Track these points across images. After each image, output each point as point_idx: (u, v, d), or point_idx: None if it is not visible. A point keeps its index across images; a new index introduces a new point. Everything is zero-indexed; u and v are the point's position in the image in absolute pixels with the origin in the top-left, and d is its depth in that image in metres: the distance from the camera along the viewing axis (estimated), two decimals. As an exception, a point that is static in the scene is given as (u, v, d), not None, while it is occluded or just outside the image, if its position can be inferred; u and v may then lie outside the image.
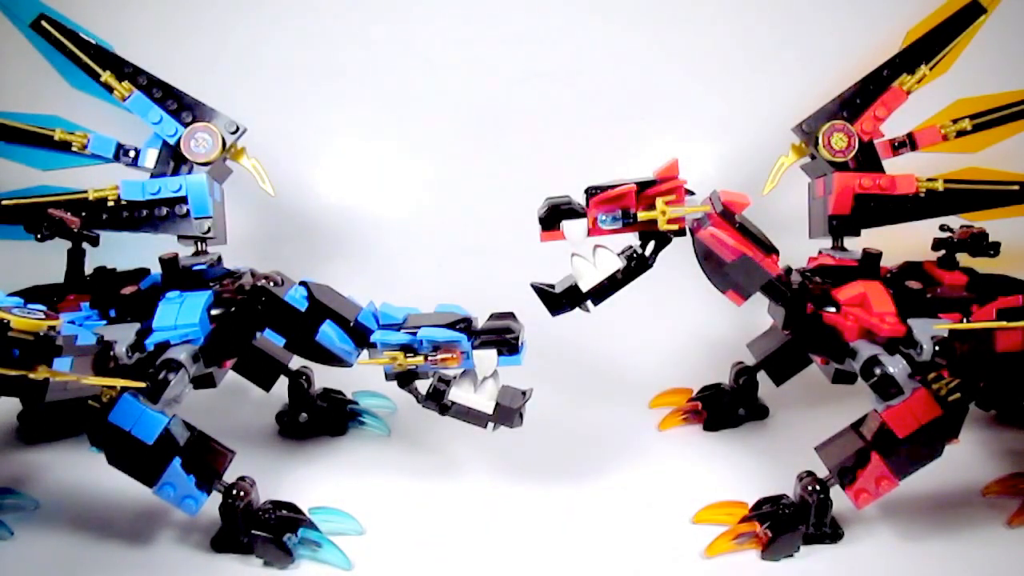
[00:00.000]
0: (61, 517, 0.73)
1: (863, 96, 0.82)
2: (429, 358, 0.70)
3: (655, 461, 0.82)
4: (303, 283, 0.74)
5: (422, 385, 0.74)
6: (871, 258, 0.76)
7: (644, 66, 1.08)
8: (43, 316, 0.55)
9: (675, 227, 0.66)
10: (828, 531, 0.68)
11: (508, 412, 0.72)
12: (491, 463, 0.81)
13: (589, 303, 0.70)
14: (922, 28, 0.84)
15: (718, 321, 1.06)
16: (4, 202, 0.81)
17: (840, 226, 0.80)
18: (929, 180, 0.82)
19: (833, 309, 0.70)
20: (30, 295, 0.76)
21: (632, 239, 0.70)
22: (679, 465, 0.81)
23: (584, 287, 0.69)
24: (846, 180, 0.79)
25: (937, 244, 0.79)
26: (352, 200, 1.13)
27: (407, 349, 0.71)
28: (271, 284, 0.72)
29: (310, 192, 1.12)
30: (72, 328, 0.63)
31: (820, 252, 0.80)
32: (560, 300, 0.70)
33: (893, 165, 0.83)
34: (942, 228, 0.80)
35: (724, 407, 0.86)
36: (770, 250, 0.68)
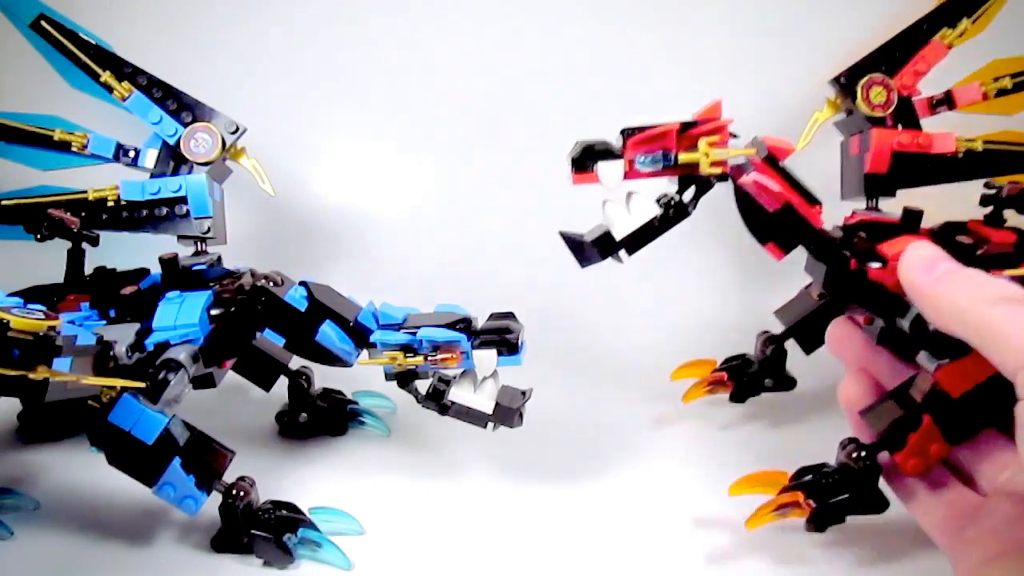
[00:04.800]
0: (61, 517, 0.73)
1: (902, 49, 0.78)
2: (429, 358, 0.70)
3: (656, 460, 0.82)
4: (303, 283, 0.74)
5: (422, 385, 0.74)
6: (913, 215, 0.71)
7: (645, 65, 1.08)
8: (43, 316, 0.55)
9: (718, 170, 0.62)
10: (875, 499, 0.63)
11: (508, 412, 0.72)
12: (491, 463, 0.81)
13: (623, 253, 0.66)
14: None
15: (719, 321, 1.06)
16: (4, 202, 0.81)
17: (876, 185, 0.76)
18: (968, 140, 0.78)
19: (878, 265, 0.64)
20: (30, 295, 0.76)
21: (664, 187, 0.66)
22: (680, 464, 0.81)
23: (618, 235, 0.65)
24: (884, 136, 0.75)
25: (985, 200, 0.76)
26: (352, 200, 1.13)
27: (407, 349, 0.71)
28: (271, 284, 0.72)
29: (310, 192, 1.12)
30: (72, 328, 0.63)
31: (854, 212, 0.76)
32: (591, 249, 0.65)
33: (928, 126, 0.79)
34: (987, 185, 0.77)
35: (751, 377, 0.83)
36: (814, 201, 0.65)
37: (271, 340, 0.73)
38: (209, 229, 0.79)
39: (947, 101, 0.81)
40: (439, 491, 0.78)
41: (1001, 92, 0.80)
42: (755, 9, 1.06)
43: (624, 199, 0.65)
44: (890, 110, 0.77)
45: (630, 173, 0.63)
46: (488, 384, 0.72)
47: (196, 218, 0.79)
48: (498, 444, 0.80)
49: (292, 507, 0.69)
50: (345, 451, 0.85)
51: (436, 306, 0.75)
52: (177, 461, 0.65)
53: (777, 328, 0.85)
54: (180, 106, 0.81)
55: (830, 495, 0.63)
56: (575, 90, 1.08)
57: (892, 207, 0.76)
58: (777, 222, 0.64)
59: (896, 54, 0.78)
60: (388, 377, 0.73)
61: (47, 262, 0.82)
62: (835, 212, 0.76)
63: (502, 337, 0.70)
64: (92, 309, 0.73)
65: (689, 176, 0.64)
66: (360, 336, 0.73)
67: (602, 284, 1.06)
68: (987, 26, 0.80)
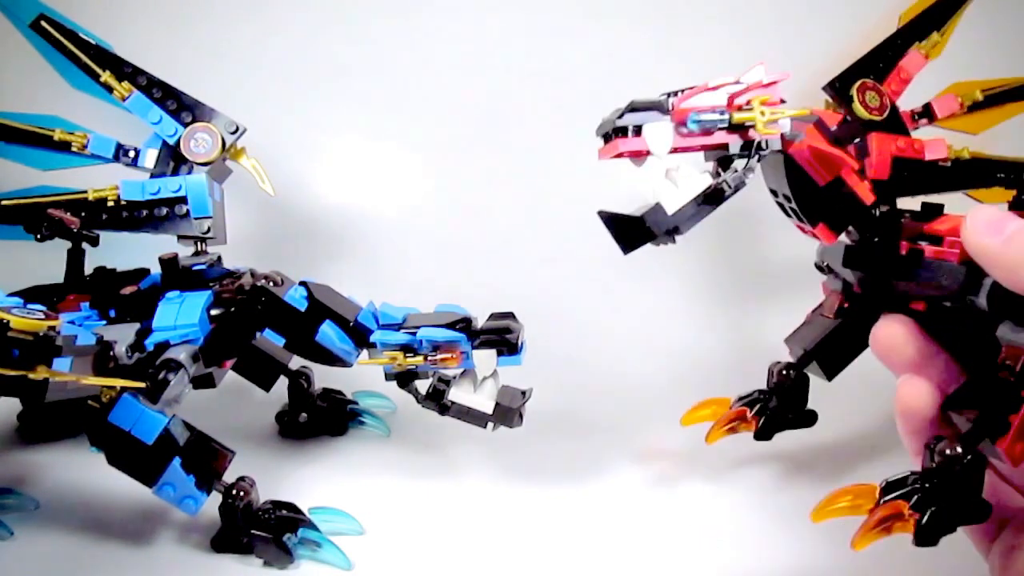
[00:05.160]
0: (61, 517, 0.73)
1: (884, 59, 0.78)
2: (429, 358, 0.70)
3: (656, 460, 0.82)
4: (303, 283, 0.74)
5: (422, 385, 0.74)
6: (935, 208, 0.68)
7: (645, 65, 1.08)
8: (43, 316, 0.55)
9: (775, 132, 0.58)
10: (980, 502, 0.53)
11: (508, 412, 0.72)
12: (491, 463, 0.81)
13: (676, 234, 0.61)
14: (916, 10, 0.81)
15: (721, 319, 1.06)
16: (4, 202, 0.81)
17: (879, 193, 0.74)
18: (955, 149, 0.79)
19: (926, 244, 0.60)
20: (30, 295, 0.76)
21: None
22: (680, 464, 0.81)
23: (671, 208, 0.59)
24: (885, 140, 0.73)
25: (1010, 182, 0.75)
26: (352, 200, 1.13)
27: (407, 349, 0.71)
28: (271, 284, 0.72)
29: (310, 192, 1.12)
30: (72, 328, 0.63)
31: None
32: (639, 229, 0.59)
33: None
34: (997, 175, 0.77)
35: (774, 411, 0.76)
36: (863, 175, 0.61)
37: (271, 340, 0.73)
38: (209, 229, 0.79)
39: (927, 114, 0.81)
40: (439, 491, 0.78)
41: (973, 106, 0.81)
42: (754, 9, 1.06)
43: (667, 174, 0.60)
44: (886, 114, 0.75)
45: (679, 138, 0.58)
46: (488, 384, 0.72)
47: (196, 218, 0.79)
48: (498, 444, 0.80)
49: (292, 507, 0.69)
50: (345, 451, 0.85)
51: (436, 306, 0.75)
52: (177, 461, 0.65)
53: (774, 351, 0.78)
54: (180, 106, 0.81)
55: (936, 501, 0.53)
56: (575, 90, 1.08)
57: None
58: (828, 197, 0.61)
59: (879, 63, 0.77)
60: (388, 377, 0.73)
61: (47, 262, 0.82)
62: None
63: (502, 337, 0.70)
64: (92, 309, 0.73)
65: (729, 156, 0.60)
66: (360, 336, 0.73)
67: (603, 284, 1.06)
68: (939, 54, 0.80)
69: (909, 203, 0.73)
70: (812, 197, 0.61)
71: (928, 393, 0.56)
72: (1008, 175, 0.76)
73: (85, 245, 0.82)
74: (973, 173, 0.78)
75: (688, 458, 0.82)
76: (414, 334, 0.70)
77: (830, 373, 0.74)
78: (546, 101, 1.09)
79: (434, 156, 1.13)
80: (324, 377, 0.88)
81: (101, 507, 0.74)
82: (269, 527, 0.67)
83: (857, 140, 0.74)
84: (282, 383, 0.87)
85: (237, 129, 0.81)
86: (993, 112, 0.82)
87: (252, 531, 0.66)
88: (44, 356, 0.55)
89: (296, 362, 0.85)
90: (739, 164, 0.60)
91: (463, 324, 0.71)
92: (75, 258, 0.82)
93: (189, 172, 0.80)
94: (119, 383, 0.60)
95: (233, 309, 0.71)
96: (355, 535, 0.71)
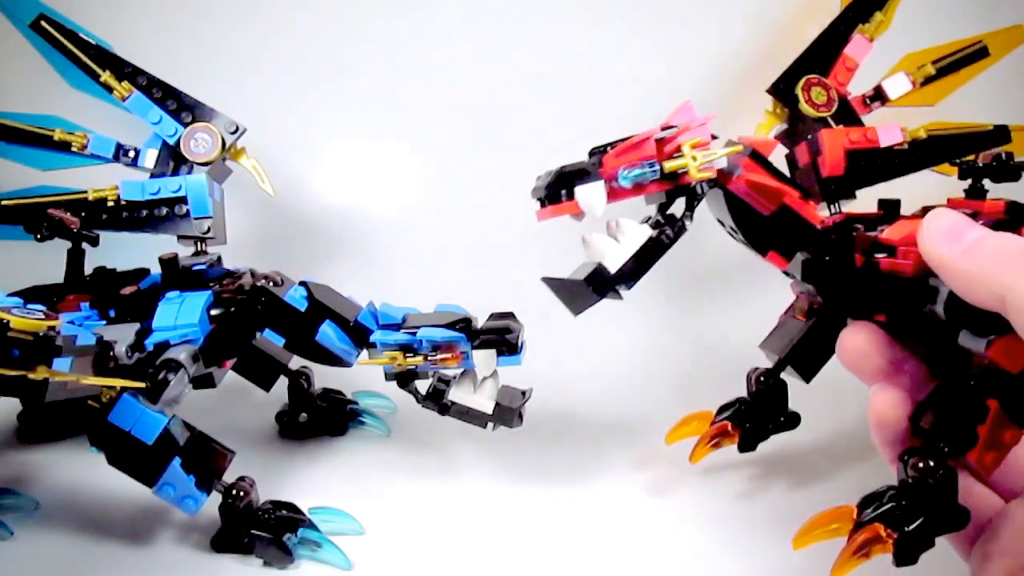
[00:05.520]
0: (61, 517, 0.73)
1: (828, 49, 0.77)
2: (429, 358, 0.70)
3: (656, 460, 0.82)
4: (303, 283, 0.74)
5: (422, 385, 0.74)
6: (892, 205, 0.67)
7: (645, 66, 1.08)
8: (43, 316, 0.55)
9: (709, 175, 0.56)
10: (957, 512, 0.53)
11: (508, 412, 0.72)
12: (491, 463, 0.81)
13: (622, 288, 0.60)
14: None
15: (722, 318, 1.06)
16: (4, 202, 0.81)
17: (836, 189, 0.73)
18: (911, 131, 0.77)
19: (884, 255, 0.58)
20: (30, 295, 0.76)
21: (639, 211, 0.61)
22: (680, 464, 0.81)
23: (612, 266, 0.58)
24: (835, 136, 0.73)
25: (964, 173, 0.72)
26: (352, 200, 1.13)
27: (407, 349, 0.71)
28: (271, 284, 0.72)
29: (310, 192, 1.12)
30: (72, 328, 0.63)
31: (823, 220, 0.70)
32: (583, 290, 0.59)
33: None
34: (952, 163, 0.75)
35: (755, 421, 0.75)
36: (807, 196, 0.61)
37: (271, 340, 0.73)
38: (209, 229, 0.79)
39: (879, 97, 0.80)
40: (439, 491, 0.78)
41: (927, 80, 0.80)
42: (753, 8, 1.06)
43: (607, 229, 0.59)
44: (834, 109, 0.75)
45: (612, 193, 0.57)
46: (488, 384, 0.72)
47: (196, 218, 0.79)
48: (498, 444, 0.80)
49: (292, 507, 0.69)
50: (345, 451, 0.85)
51: (436, 306, 0.75)
52: (177, 461, 0.65)
53: (753, 358, 0.77)
54: (180, 106, 0.81)
55: (911, 519, 0.53)
56: (575, 90, 1.08)
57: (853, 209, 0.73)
58: (775, 225, 0.60)
59: (823, 54, 0.77)
60: (388, 377, 0.73)
61: (47, 262, 0.82)
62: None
63: (502, 337, 0.70)
64: (92, 309, 0.73)
65: (677, 188, 0.59)
66: (360, 336, 0.73)
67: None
68: (893, 16, 0.80)
69: (864, 200, 0.72)
70: (759, 227, 0.61)
71: (901, 403, 0.56)
72: (964, 164, 0.73)
73: (85, 245, 0.82)
74: (932, 152, 0.77)
75: (686, 458, 0.82)
76: (414, 334, 0.70)
77: (807, 376, 0.72)
78: (546, 101, 1.09)
79: (434, 156, 1.13)
80: (324, 377, 0.88)
81: (101, 507, 0.74)
82: (269, 527, 0.66)
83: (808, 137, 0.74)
84: (282, 383, 0.87)
85: (237, 129, 0.81)
86: (949, 80, 0.81)
87: (252, 531, 0.66)
88: (44, 356, 0.55)
89: (296, 362, 0.85)
90: (678, 209, 0.59)
91: (463, 324, 0.71)
92: (75, 258, 0.82)
93: (189, 172, 0.80)
94: (119, 383, 0.60)
95: (233, 309, 0.71)
96: (355, 535, 0.70)
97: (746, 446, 0.74)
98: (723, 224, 0.64)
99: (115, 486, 0.68)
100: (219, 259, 0.80)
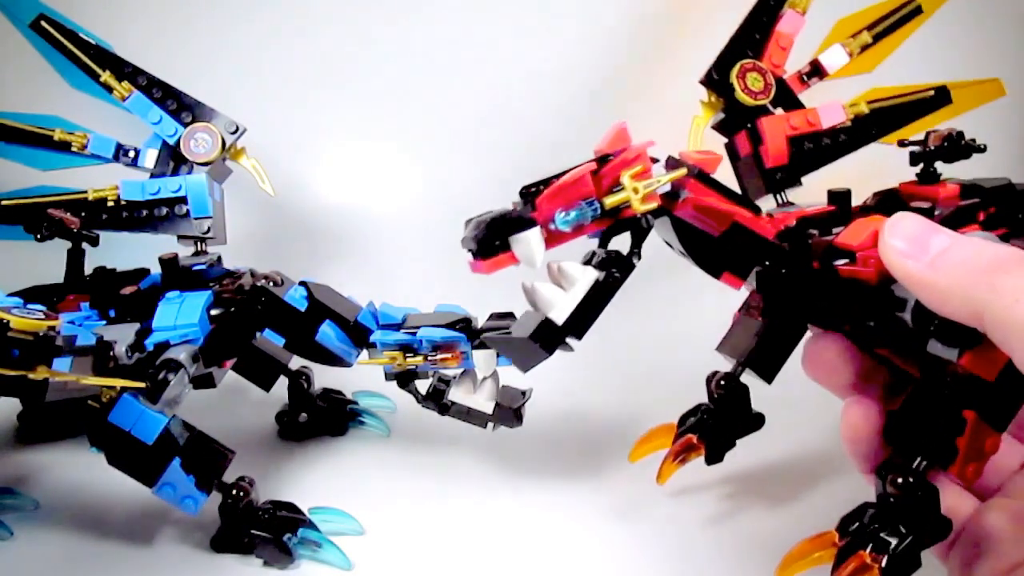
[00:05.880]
0: (61, 517, 0.73)
1: (759, 29, 0.72)
2: (429, 358, 0.70)
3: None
4: (303, 283, 0.74)
5: (422, 385, 0.74)
6: (842, 197, 0.63)
7: (644, 65, 1.08)
8: (43, 316, 0.55)
9: (653, 205, 0.51)
10: (940, 525, 0.51)
11: (508, 412, 0.72)
12: (491, 463, 0.81)
13: (571, 340, 0.55)
14: None
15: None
16: (4, 202, 0.81)
17: (781, 179, 0.69)
18: (851, 105, 0.73)
19: (844, 261, 0.55)
20: (30, 295, 0.76)
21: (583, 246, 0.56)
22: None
23: (559, 318, 0.52)
24: (776, 124, 0.70)
25: (914, 158, 0.69)
26: (352, 200, 1.13)
27: (407, 349, 0.71)
28: (271, 284, 0.72)
29: (310, 192, 1.12)
30: (72, 328, 0.63)
31: (771, 215, 0.65)
32: (529, 347, 0.53)
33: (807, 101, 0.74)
34: (901, 144, 0.71)
35: (720, 429, 0.69)
36: (757, 211, 0.57)
37: (271, 340, 0.73)
38: (209, 229, 0.79)
39: (816, 71, 0.75)
40: (439, 491, 0.78)
41: (864, 48, 0.76)
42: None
43: (549, 274, 0.54)
44: (772, 94, 0.70)
45: (551, 238, 0.51)
46: (488, 384, 0.72)
47: (196, 218, 0.79)
48: (498, 444, 0.80)
49: (292, 507, 0.69)
50: (345, 451, 0.85)
51: (436, 306, 0.75)
52: (177, 461, 0.65)
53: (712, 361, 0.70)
54: (180, 106, 0.81)
55: (896, 541, 0.51)
56: (574, 90, 1.08)
57: (800, 197, 0.70)
58: (726, 245, 0.56)
59: (755, 35, 0.72)
60: (388, 377, 0.73)
61: (47, 262, 0.82)
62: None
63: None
64: (92, 309, 0.73)
65: (620, 222, 0.54)
66: (360, 336, 0.73)
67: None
68: None
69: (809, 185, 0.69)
70: (709, 250, 0.57)
71: (873, 417, 0.54)
72: (913, 150, 0.70)
73: (85, 245, 0.82)
74: (876, 125, 0.74)
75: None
76: (414, 334, 0.70)
77: (767, 377, 0.65)
78: (546, 101, 1.09)
79: (434, 156, 1.13)
80: (324, 377, 0.88)
81: (101, 507, 0.74)
82: (269, 527, 0.67)
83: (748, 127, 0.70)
84: (282, 383, 0.87)
85: (237, 129, 0.81)
86: (884, 43, 0.77)
87: (252, 531, 0.66)
88: (44, 356, 0.55)
89: (296, 362, 0.85)
90: (622, 243, 0.54)
91: (463, 324, 0.71)
92: (75, 258, 0.82)
93: (189, 172, 0.80)
94: (119, 383, 0.60)
95: (233, 309, 0.71)
96: (355, 535, 0.71)
97: (713, 457, 0.68)
98: (671, 246, 0.61)
99: (115, 486, 0.68)
100: (219, 259, 0.80)
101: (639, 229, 0.54)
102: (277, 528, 0.67)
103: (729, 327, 0.67)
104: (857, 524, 0.53)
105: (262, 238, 1.09)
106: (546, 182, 0.51)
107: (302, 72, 1.09)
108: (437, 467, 0.82)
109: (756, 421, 0.69)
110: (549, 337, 0.53)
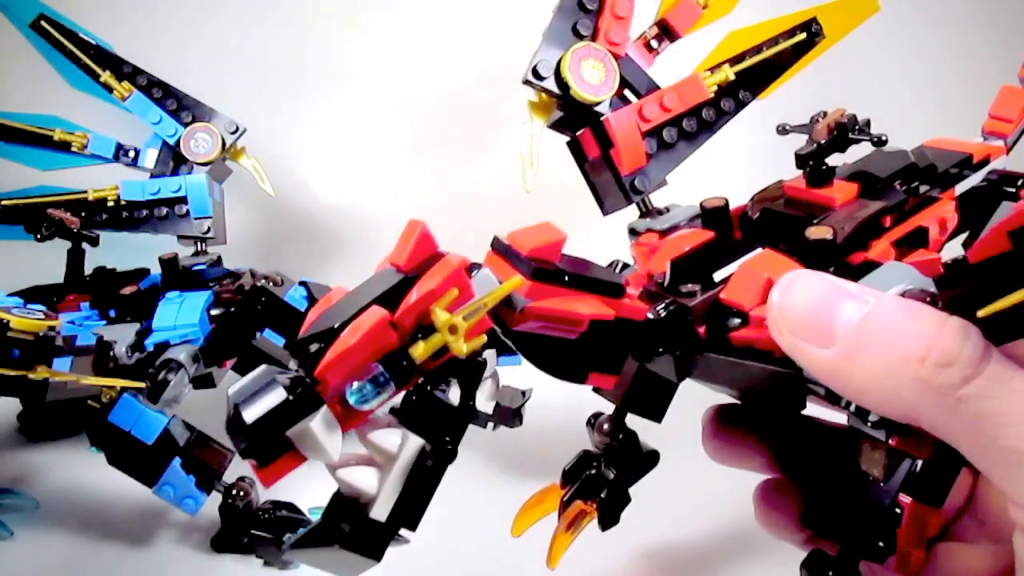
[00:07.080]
0: (61, 517, 0.73)
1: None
2: (428, 358, 0.69)
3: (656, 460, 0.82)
4: (303, 283, 0.74)
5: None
6: (719, 214, 0.51)
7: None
8: (43, 316, 0.55)
9: (482, 340, 0.37)
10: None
11: (508, 412, 0.72)
12: (491, 463, 0.81)
13: (404, 531, 0.43)
14: None
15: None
16: (4, 202, 0.81)
17: (643, 182, 0.58)
18: (711, 72, 0.60)
19: (738, 321, 0.43)
20: (30, 295, 0.76)
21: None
22: (680, 464, 0.81)
23: (381, 512, 0.41)
24: (625, 119, 0.56)
25: (802, 160, 0.53)
26: (352, 200, 1.13)
27: (406, 349, 0.70)
28: (271, 284, 0.72)
29: (310, 192, 1.12)
30: (72, 328, 0.63)
31: (638, 241, 0.56)
32: (347, 559, 0.40)
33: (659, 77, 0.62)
34: (782, 131, 0.59)
35: (611, 485, 0.58)
36: (618, 291, 0.43)
37: (271, 340, 0.73)
38: (209, 229, 0.79)
39: (666, 33, 0.62)
40: (439, 491, 0.77)
41: None
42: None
43: (359, 456, 0.41)
44: (616, 83, 0.57)
45: (348, 421, 0.38)
46: (488, 384, 0.72)
47: (196, 218, 0.79)
48: (498, 444, 0.80)
49: (292, 507, 0.69)
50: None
51: (436, 306, 0.75)
52: (177, 461, 0.65)
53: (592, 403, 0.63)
54: (180, 106, 0.81)
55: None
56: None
57: (668, 198, 0.61)
58: (590, 345, 0.43)
59: (585, 6, 0.58)
60: (388, 377, 0.73)
61: (47, 262, 0.82)
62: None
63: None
64: (92, 309, 0.73)
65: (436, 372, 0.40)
66: (360, 336, 0.72)
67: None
68: None
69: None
70: (568, 356, 0.45)
71: (791, 506, 0.48)
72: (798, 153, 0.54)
73: (85, 245, 0.82)
74: (747, 87, 0.62)
75: (683, 459, 0.82)
76: (414, 334, 0.69)
77: (656, 418, 0.57)
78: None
79: (434, 156, 1.13)
80: (324, 377, 0.88)
81: (101, 507, 0.74)
82: (269, 527, 0.66)
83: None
84: (282, 383, 0.87)
85: (237, 129, 0.81)
86: None
87: (252, 531, 0.66)
88: (44, 356, 0.55)
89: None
90: (452, 394, 0.44)
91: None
92: (75, 258, 0.82)
93: (189, 172, 0.80)
94: (119, 383, 0.60)
95: (233, 309, 0.71)
96: (355, 535, 0.70)
97: (609, 521, 0.57)
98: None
99: (115, 486, 0.69)
100: (219, 259, 0.80)
101: (469, 371, 0.42)
102: (277, 528, 0.67)
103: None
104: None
105: (262, 238, 1.09)
106: (320, 352, 0.36)
107: (302, 72, 1.09)
108: (437, 467, 0.81)
109: (651, 459, 0.60)
110: (371, 540, 0.41)
